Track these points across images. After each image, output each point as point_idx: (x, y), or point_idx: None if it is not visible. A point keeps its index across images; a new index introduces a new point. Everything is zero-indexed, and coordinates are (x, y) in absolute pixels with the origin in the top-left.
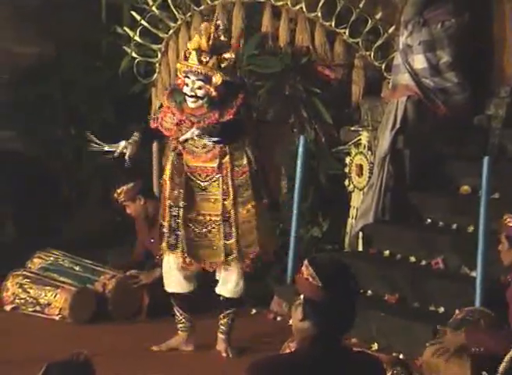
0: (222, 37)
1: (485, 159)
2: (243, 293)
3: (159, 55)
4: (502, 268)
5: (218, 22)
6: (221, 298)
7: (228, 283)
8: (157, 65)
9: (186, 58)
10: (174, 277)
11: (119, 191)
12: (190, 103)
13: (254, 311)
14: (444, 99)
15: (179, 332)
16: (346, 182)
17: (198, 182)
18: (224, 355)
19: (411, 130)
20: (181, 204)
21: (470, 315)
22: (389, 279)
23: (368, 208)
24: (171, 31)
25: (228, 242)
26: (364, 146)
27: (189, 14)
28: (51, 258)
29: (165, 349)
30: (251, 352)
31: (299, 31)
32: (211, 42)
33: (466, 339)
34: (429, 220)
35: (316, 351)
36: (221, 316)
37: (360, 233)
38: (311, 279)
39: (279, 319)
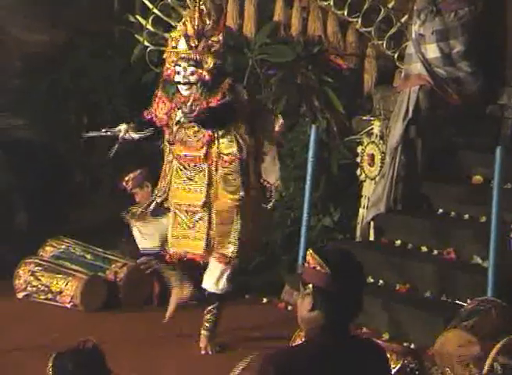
0: (208, 21)
1: (498, 149)
2: (226, 289)
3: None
4: None
5: (202, 6)
6: (205, 293)
7: (210, 277)
8: (168, 54)
9: (174, 47)
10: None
11: (126, 178)
12: (184, 91)
13: (265, 300)
14: (457, 89)
15: (173, 290)
16: (358, 171)
17: (187, 172)
18: (203, 352)
19: (423, 119)
20: (164, 194)
21: (481, 304)
22: (400, 269)
23: (380, 197)
24: (183, 20)
25: (211, 232)
26: (376, 135)
27: (201, 2)
28: (63, 247)
29: (172, 313)
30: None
31: (311, 20)
32: (197, 27)
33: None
34: (441, 210)
35: (327, 341)
36: (205, 312)
37: (372, 223)
38: (319, 267)
39: (289, 308)
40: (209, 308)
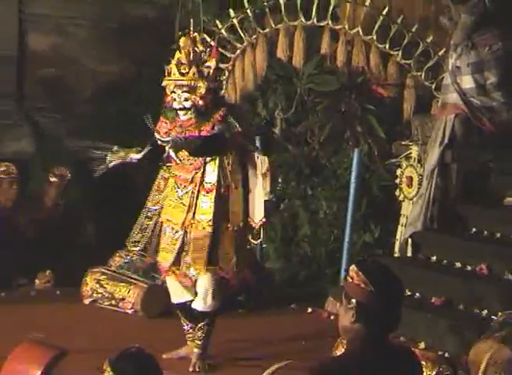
0: (201, 48)
1: None
2: (212, 308)
3: (227, 73)
4: None
5: (194, 34)
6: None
7: (197, 296)
8: (224, 82)
9: (169, 75)
10: (175, 289)
11: None
12: (182, 116)
13: (309, 310)
14: (490, 117)
15: (188, 342)
16: (397, 192)
17: (178, 190)
18: (190, 369)
19: (459, 145)
20: (158, 209)
21: (511, 317)
22: (436, 283)
23: (417, 216)
24: (238, 52)
25: (182, 253)
26: (414, 159)
27: (254, 36)
28: (128, 257)
29: (175, 357)
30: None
31: (355, 53)
32: (190, 54)
33: None
34: (474, 229)
35: (367, 353)
36: (196, 329)
37: (409, 240)
38: (363, 285)
39: (332, 317)
40: (199, 325)
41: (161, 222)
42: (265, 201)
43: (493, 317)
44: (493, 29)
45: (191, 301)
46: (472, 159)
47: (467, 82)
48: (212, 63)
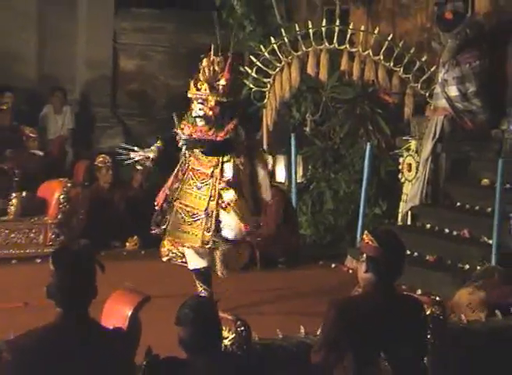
0: (216, 68)
1: (500, 161)
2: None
3: (268, 86)
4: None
5: (212, 57)
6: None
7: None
8: (267, 93)
9: (191, 90)
10: (191, 257)
11: None
12: (199, 122)
13: (333, 265)
14: (471, 118)
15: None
16: (400, 176)
17: (196, 182)
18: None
19: (446, 139)
20: (176, 195)
21: (487, 270)
22: (430, 244)
23: (415, 194)
24: (277, 70)
25: (207, 234)
26: (413, 150)
27: (290, 57)
28: None
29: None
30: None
31: (367, 69)
32: (206, 73)
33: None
34: (458, 203)
35: (377, 294)
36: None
37: (409, 212)
38: (371, 242)
39: (350, 271)
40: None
41: (177, 206)
42: (298, 183)
43: (473, 270)
44: (473, 50)
45: (205, 267)
46: (456, 150)
47: (453, 91)
48: (223, 82)
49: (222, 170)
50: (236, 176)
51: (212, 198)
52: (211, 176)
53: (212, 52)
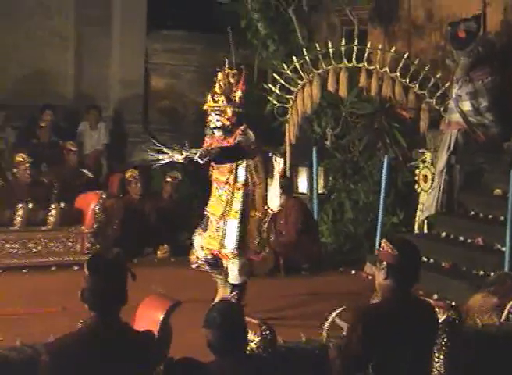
0: (232, 81)
1: (511, 172)
2: (241, 281)
3: (291, 102)
4: None
5: (227, 70)
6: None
7: (229, 272)
8: (289, 109)
9: (209, 103)
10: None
11: None
12: (217, 133)
13: (353, 272)
14: (483, 131)
15: (219, 288)
16: (416, 186)
17: (219, 190)
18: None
19: (460, 151)
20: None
21: (500, 276)
22: (445, 252)
23: (431, 204)
24: (299, 86)
25: (223, 239)
26: (428, 162)
27: (311, 75)
28: None
29: None
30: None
31: (384, 86)
32: (222, 86)
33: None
34: (472, 212)
35: (395, 301)
36: (230, 297)
37: (425, 221)
38: (390, 250)
39: (369, 277)
40: (231, 294)
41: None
42: (320, 194)
43: (488, 277)
44: (485, 67)
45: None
46: (470, 162)
47: (466, 106)
48: (239, 93)
49: (236, 175)
50: (247, 181)
51: (228, 204)
52: (227, 183)
53: (227, 66)
